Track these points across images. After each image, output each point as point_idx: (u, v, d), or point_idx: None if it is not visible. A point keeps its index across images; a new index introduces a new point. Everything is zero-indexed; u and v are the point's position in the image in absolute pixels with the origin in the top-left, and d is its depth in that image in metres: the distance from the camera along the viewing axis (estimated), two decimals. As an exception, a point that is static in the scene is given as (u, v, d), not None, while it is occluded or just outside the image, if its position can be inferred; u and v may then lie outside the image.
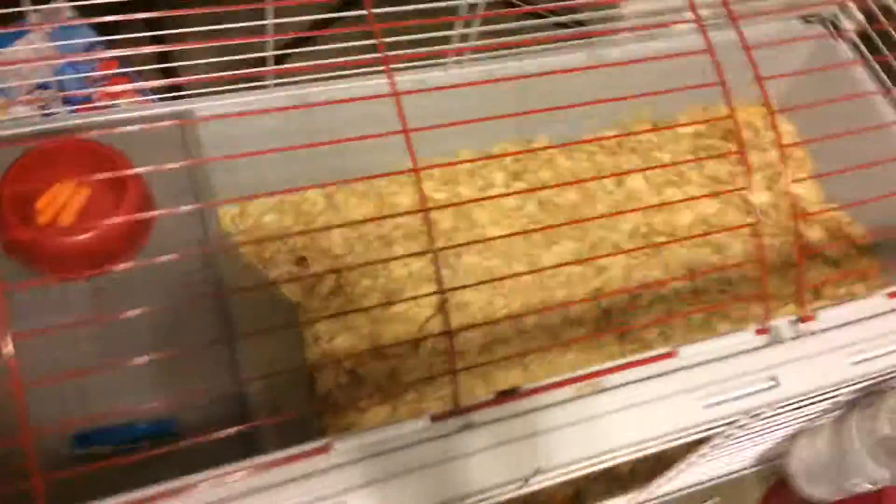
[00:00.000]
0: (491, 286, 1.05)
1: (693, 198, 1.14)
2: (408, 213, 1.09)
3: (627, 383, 0.53)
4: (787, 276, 1.09)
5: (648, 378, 0.53)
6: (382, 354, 0.98)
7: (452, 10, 0.93)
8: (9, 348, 0.42)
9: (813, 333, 0.56)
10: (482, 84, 1.03)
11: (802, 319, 0.57)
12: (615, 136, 1.16)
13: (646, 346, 1.01)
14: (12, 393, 0.40)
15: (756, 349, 0.55)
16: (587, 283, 1.07)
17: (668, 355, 0.54)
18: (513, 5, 1.13)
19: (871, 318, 0.58)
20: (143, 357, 0.66)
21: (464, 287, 0.93)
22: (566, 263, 1.06)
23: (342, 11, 1.13)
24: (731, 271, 1.09)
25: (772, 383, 0.54)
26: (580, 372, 0.53)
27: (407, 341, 0.99)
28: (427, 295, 0.95)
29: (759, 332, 0.56)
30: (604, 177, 1.14)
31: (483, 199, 1.11)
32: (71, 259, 0.81)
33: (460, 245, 1.06)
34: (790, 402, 0.55)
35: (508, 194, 1.11)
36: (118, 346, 0.79)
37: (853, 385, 0.59)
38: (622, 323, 1.03)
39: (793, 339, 0.56)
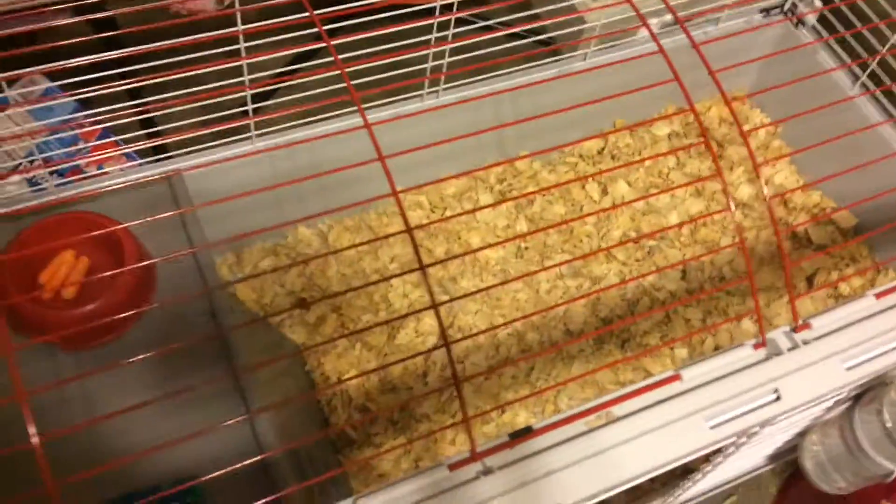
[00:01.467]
0: (491, 307, 1.07)
1: (668, 190, 1.16)
2: (393, 234, 1.11)
3: (636, 411, 0.54)
4: (779, 266, 1.11)
5: (656, 404, 0.55)
6: (392, 387, 1.00)
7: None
8: (35, 439, 0.44)
9: (807, 343, 0.58)
10: (457, 105, 1.05)
11: (797, 329, 0.59)
12: (585, 140, 1.18)
13: (647, 352, 1.03)
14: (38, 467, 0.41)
15: (756, 364, 0.57)
16: (585, 293, 1.09)
17: (673, 378, 0.56)
18: (485, 29, 1.15)
19: (862, 320, 0.60)
20: (164, 422, 0.68)
21: (460, 298, 0.94)
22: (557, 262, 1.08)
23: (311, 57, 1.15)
24: (724, 267, 1.11)
25: (774, 396, 0.56)
26: (590, 404, 0.55)
27: (415, 372, 1.00)
28: (425, 309, 0.97)
29: (756, 346, 0.58)
30: (575, 180, 1.16)
31: (466, 212, 1.12)
32: (79, 329, 0.82)
33: (449, 258, 1.08)
34: (793, 411, 0.57)
35: (489, 206, 1.12)
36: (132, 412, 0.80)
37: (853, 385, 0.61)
38: (623, 331, 1.05)
39: (790, 349, 0.58)
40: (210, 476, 0.55)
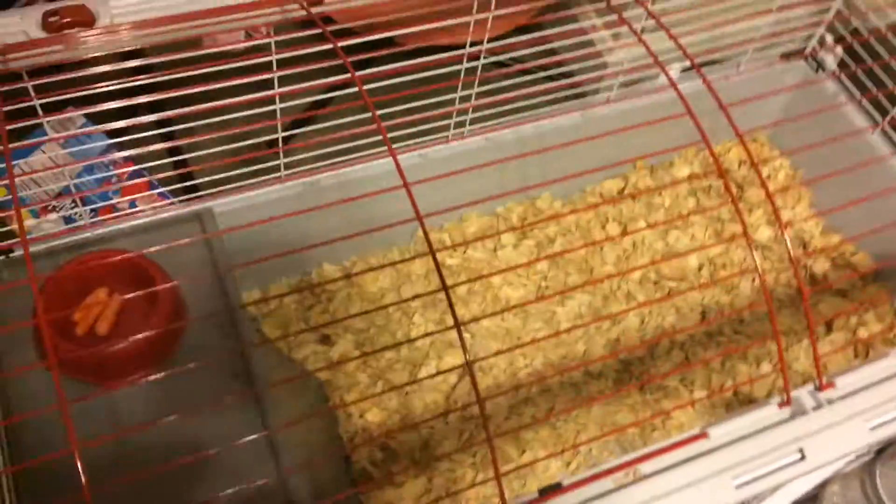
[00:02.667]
0: (511, 345, 1.08)
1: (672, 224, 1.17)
2: (417, 255, 1.12)
3: (664, 469, 0.55)
4: (801, 308, 1.12)
5: (684, 462, 0.56)
6: (413, 426, 1.01)
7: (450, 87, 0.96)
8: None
9: (832, 402, 0.59)
10: (482, 146, 1.07)
11: (821, 388, 0.60)
12: (606, 167, 1.19)
13: (667, 396, 1.04)
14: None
15: (781, 423, 0.58)
16: (604, 335, 1.10)
17: (701, 436, 0.57)
18: (504, 66, 1.17)
19: (886, 379, 0.61)
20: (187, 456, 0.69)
21: (479, 320, 0.95)
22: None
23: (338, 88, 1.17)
24: (743, 310, 1.12)
25: (798, 456, 0.57)
26: (618, 461, 0.56)
27: (437, 412, 1.01)
28: (448, 328, 0.98)
29: (780, 405, 0.59)
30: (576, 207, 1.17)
31: (489, 236, 1.14)
32: (111, 366, 0.84)
33: (468, 281, 1.09)
34: (817, 470, 0.58)
35: (509, 230, 1.14)
36: (162, 442, 0.81)
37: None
38: (643, 373, 1.06)
39: (814, 408, 0.59)
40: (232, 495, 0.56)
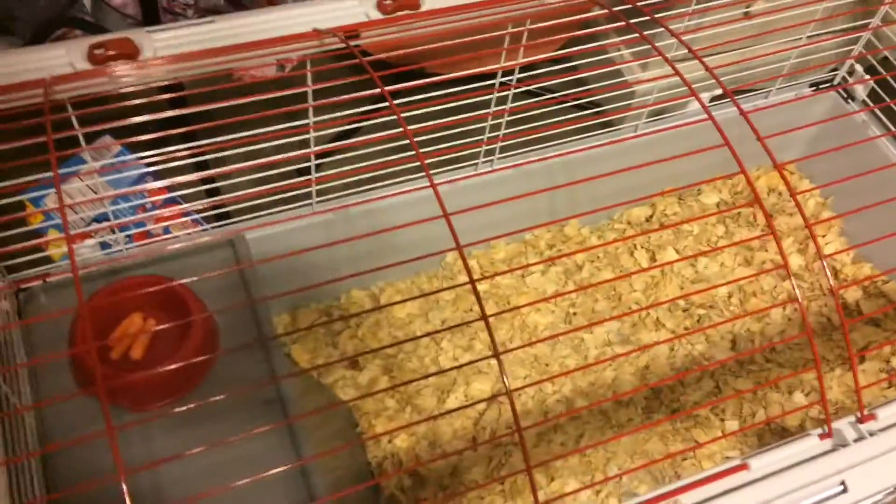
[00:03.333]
0: (539, 374, 1.08)
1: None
2: (453, 286, 1.12)
3: (705, 501, 0.55)
4: (833, 337, 1.11)
5: (724, 493, 0.55)
6: (442, 451, 1.00)
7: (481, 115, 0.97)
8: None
9: (873, 434, 0.59)
10: (511, 174, 1.08)
11: (862, 420, 0.60)
12: (634, 202, 1.19)
13: (698, 424, 1.03)
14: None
15: (822, 455, 0.58)
16: (633, 362, 1.09)
17: (741, 468, 0.56)
18: (535, 95, 1.18)
19: (927, 412, 0.60)
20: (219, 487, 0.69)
21: (512, 350, 0.95)
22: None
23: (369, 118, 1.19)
24: (774, 337, 1.11)
25: (840, 489, 0.56)
26: (658, 492, 0.55)
27: (466, 439, 1.01)
28: (485, 358, 0.98)
29: (822, 437, 0.59)
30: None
31: (521, 267, 1.14)
32: (145, 391, 0.85)
33: (502, 312, 1.09)
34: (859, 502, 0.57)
35: (538, 263, 1.14)
36: (192, 467, 0.82)
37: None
38: (673, 401, 1.05)
39: (856, 440, 0.58)
40: None
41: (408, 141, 0.67)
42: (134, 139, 0.78)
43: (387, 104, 0.68)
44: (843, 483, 0.56)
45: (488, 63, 0.91)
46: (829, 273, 0.58)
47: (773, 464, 0.57)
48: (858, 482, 0.56)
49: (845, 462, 0.57)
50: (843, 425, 0.59)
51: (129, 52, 0.68)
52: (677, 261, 1.05)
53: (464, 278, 1.15)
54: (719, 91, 0.78)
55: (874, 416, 0.60)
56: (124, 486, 0.44)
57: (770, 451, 0.57)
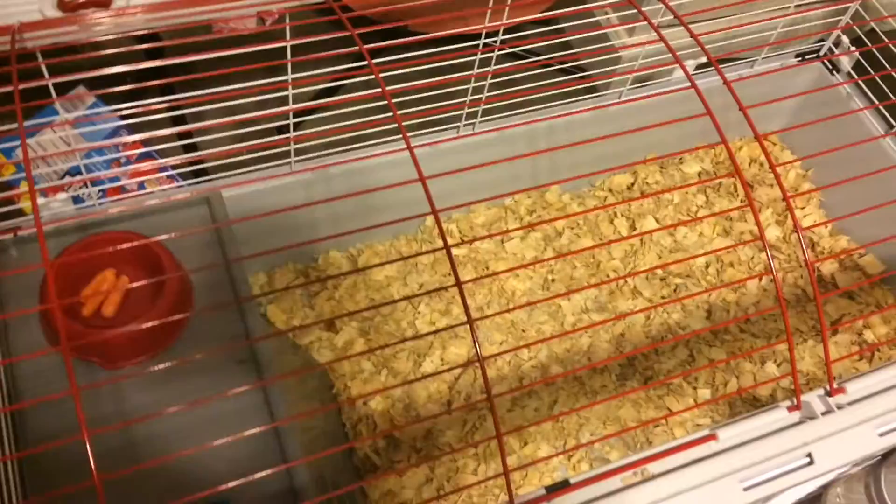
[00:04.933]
0: (516, 339, 1.08)
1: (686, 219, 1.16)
2: (432, 251, 1.12)
3: (672, 469, 0.55)
4: (807, 309, 1.12)
5: (692, 462, 0.56)
6: (416, 415, 1.01)
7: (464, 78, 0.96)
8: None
9: (841, 407, 0.59)
10: (493, 137, 1.07)
11: (831, 393, 0.60)
12: (617, 168, 1.19)
13: (671, 392, 1.04)
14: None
15: (790, 427, 0.58)
16: (609, 329, 1.10)
17: (709, 438, 0.57)
18: (519, 58, 1.16)
19: (895, 387, 0.61)
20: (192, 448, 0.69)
21: (488, 318, 0.95)
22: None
23: (350, 76, 1.16)
24: (749, 308, 1.11)
25: (807, 460, 0.57)
26: (627, 460, 0.56)
27: (440, 401, 1.01)
28: (460, 325, 0.98)
29: (790, 409, 0.59)
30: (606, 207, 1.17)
31: (501, 233, 1.14)
32: (117, 349, 0.84)
33: (480, 277, 1.09)
34: (825, 474, 0.58)
35: (518, 229, 1.14)
36: (166, 427, 0.81)
37: (882, 448, 0.62)
38: (647, 368, 1.06)
39: (824, 413, 0.59)
40: (237, 482, 0.56)
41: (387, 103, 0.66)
42: (109, 90, 0.76)
43: (366, 63, 0.67)
44: (809, 455, 0.57)
45: (473, 23, 0.90)
46: (805, 246, 0.58)
47: (741, 434, 0.57)
48: (825, 455, 0.57)
49: (813, 434, 0.58)
50: (812, 398, 0.60)
51: (101, 1, 0.66)
52: (657, 230, 1.05)
53: (440, 242, 1.14)
54: (705, 59, 0.77)
55: (843, 389, 0.60)
56: (88, 446, 0.44)
57: (738, 421, 0.58)
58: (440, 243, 1.14)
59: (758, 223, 0.60)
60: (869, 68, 1.11)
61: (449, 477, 0.97)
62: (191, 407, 0.73)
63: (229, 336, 0.89)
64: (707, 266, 1.15)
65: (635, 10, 0.78)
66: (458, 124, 1.04)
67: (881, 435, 0.59)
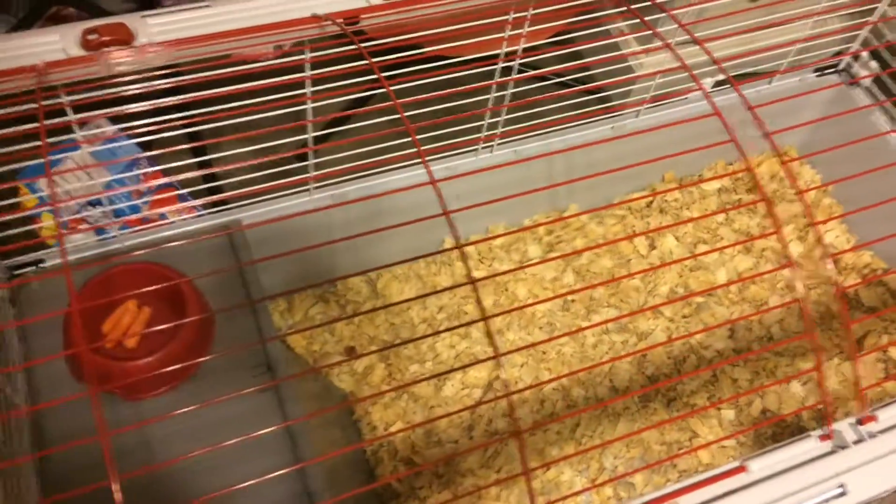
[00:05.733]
0: (537, 360, 1.07)
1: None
2: (456, 286, 1.12)
3: (703, 503, 0.55)
4: (832, 326, 1.10)
5: (723, 495, 0.55)
6: (438, 440, 1.00)
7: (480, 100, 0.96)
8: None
9: (873, 436, 0.58)
10: (513, 164, 1.06)
11: (862, 421, 0.59)
12: (635, 199, 1.18)
13: (694, 413, 1.03)
14: None
15: (821, 457, 0.57)
16: (631, 350, 1.09)
17: (739, 470, 0.56)
18: (537, 79, 1.16)
19: (928, 413, 0.60)
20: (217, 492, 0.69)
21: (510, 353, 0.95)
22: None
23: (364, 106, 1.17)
24: (772, 326, 1.10)
25: (839, 490, 0.56)
26: (656, 494, 0.55)
27: (462, 426, 1.01)
28: (488, 359, 0.98)
29: (822, 438, 0.58)
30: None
31: (518, 268, 1.13)
32: (140, 380, 0.84)
33: (503, 312, 1.08)
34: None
35: (538, 262, 1.13)
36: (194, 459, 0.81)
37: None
38: (669, 389, 1.05)
39: (856, 442, 0.58)
40: None
41: (406, 130, 0.66)
42: (130, 125, 0.76)
43: (384, 89, 0.67)
44: (841, 485, 0.56)
45: (489, 48, 0.90)
46: (819, 265, 0.57)
47: (772, 465, 0.57)
48: (858, 484, 0.56)
49: (845, 464, 0.57)
50: (844, 427, 0.59)
51: (124, 38, 0.67)
52: (679, 261, 1.04)
53: (460, 264, 1.14)
54: (722, 76, 0.77)
55: (875, 417, 0.59)
56: (115, 491, 0.44)
57: (769, 452, 0.57)
58: (458, 265, 1.14)
59: (783, 245, 0.59)
60: (889, 83, 1.10)
61: (472, 503, 0.96)
62: (214, 449, 0.73)
63: (251, 365, 0.89)
64: (729, 284, 1.14)
65: (650, 32, 0.78)
66: (477, 147, 1.04)
67: (915, 463, 0.58)
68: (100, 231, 0.95)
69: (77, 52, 0.66)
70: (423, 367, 1.05)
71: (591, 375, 1.07)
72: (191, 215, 0.98)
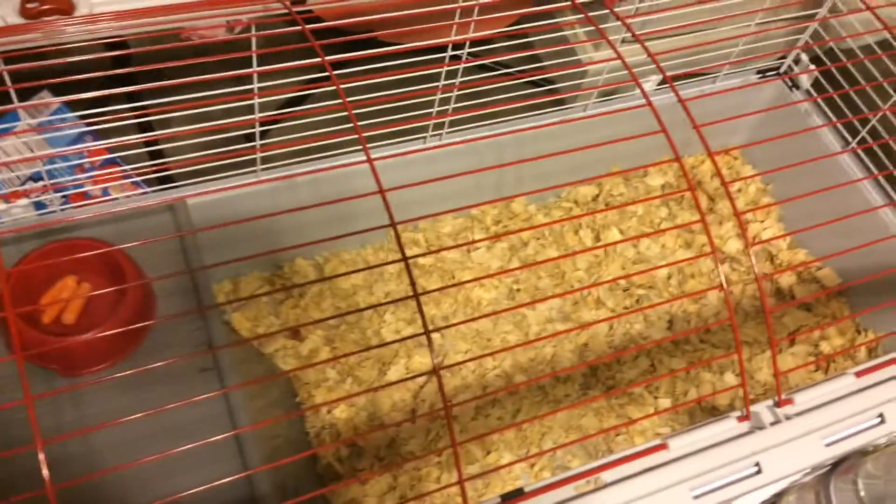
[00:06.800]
0: (481, 348, 1.09)
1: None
2: (390, 262, 1.12)
3: (624, 478, 0.57)
4: (763, 321, 1.14)
5: (644, 471, 0.57)
6: (380, 423, 1.01)
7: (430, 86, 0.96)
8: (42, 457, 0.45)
9: (789, 418, 0.61)
10: (460, 148, 1.08)
11: (780, 403, 0.62)
12: (582, 182, 1.21)
13: (632, 401, 1.06)
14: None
15: (739, 436, 0.59)
16: (573, 339, 1.11)
17: (661, 447, 0.58)
18: (488, 70, 1.18)
19: (842, 398, 0.62)
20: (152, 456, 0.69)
21: (450, 327, 0.96)
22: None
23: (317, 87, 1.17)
24: (709, 319, 1.13)
25: (755, 469, 0.58)
26: (580, 469, 0.57)
27: (404, 410, 1.02)
28: (418, 335, 0.99)
29: (740, 419, 0.61)
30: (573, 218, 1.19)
31: (465, 244, 1.15)
32: (77, 356, 0.84)
33: (443, 288, 1.10)
34: (772, 483, 0.59)
35: (485, 240, 1.15)
36: (126, 435, 0.81)
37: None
38: (609, 378, 1.08)
39: (772, 423, 0.60)
40: (197, 489, 0.56)
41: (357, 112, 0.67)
42: (74, 97, 0.76)
43: (328, 75, 0.67)
44: (757, 464, 0.58)
45: (440, 35, 0.91)
46: (762, 259, 0.59)
47: (692, 444, 0.59)
48: (772, 464, 0.59)
49: (761, 444, 0.59)
50: (761, 409, 0.61)
51: (64, 8, 0.66)
52: (621, 241, 1.06)
53: (409, 252, 1.15)
54: (669, 73, 0.79)
55: (791, 400, 0.62)
56: (41, 456, 0.44)
57: (689, 431, 0.59)
58: (407, 252, 1.14)
59: (710, 242, 0.62)
60: (827, 86, 1.14)
61: (412, 485, 0.97)
62: (151, 415, 0.73)
63: (192, 344, 0.89)
64: (669, 277, 1.17)
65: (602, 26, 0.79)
66: (426, 135, 1.05)
67: (827, 445, 0.60)
68: (40, 206, 0.94)
69: (16, 19, 0.65)
70: (368, 352, 1.06)
71: (534, 363, 1.09)
72: (135, 192, 0.97)
